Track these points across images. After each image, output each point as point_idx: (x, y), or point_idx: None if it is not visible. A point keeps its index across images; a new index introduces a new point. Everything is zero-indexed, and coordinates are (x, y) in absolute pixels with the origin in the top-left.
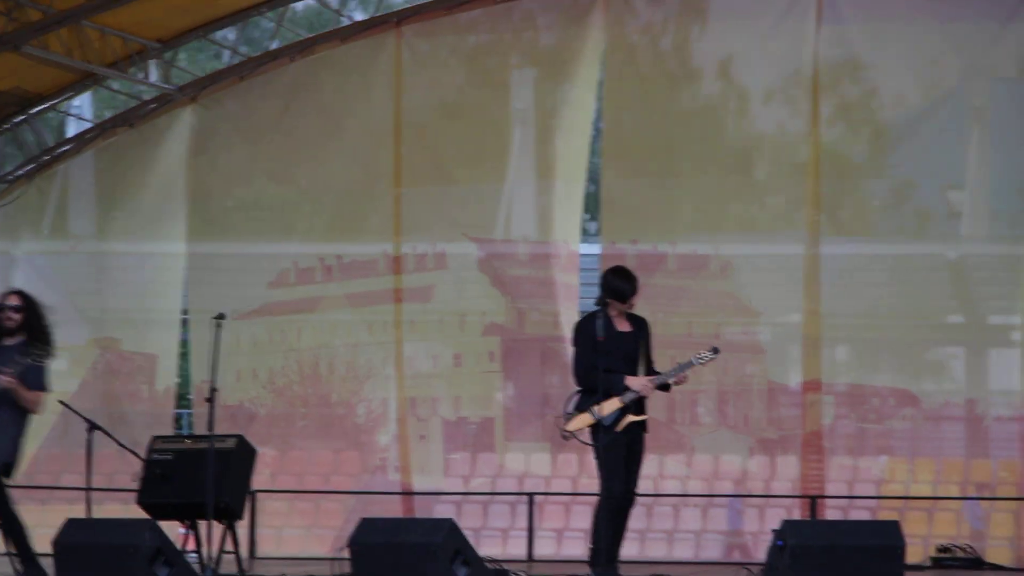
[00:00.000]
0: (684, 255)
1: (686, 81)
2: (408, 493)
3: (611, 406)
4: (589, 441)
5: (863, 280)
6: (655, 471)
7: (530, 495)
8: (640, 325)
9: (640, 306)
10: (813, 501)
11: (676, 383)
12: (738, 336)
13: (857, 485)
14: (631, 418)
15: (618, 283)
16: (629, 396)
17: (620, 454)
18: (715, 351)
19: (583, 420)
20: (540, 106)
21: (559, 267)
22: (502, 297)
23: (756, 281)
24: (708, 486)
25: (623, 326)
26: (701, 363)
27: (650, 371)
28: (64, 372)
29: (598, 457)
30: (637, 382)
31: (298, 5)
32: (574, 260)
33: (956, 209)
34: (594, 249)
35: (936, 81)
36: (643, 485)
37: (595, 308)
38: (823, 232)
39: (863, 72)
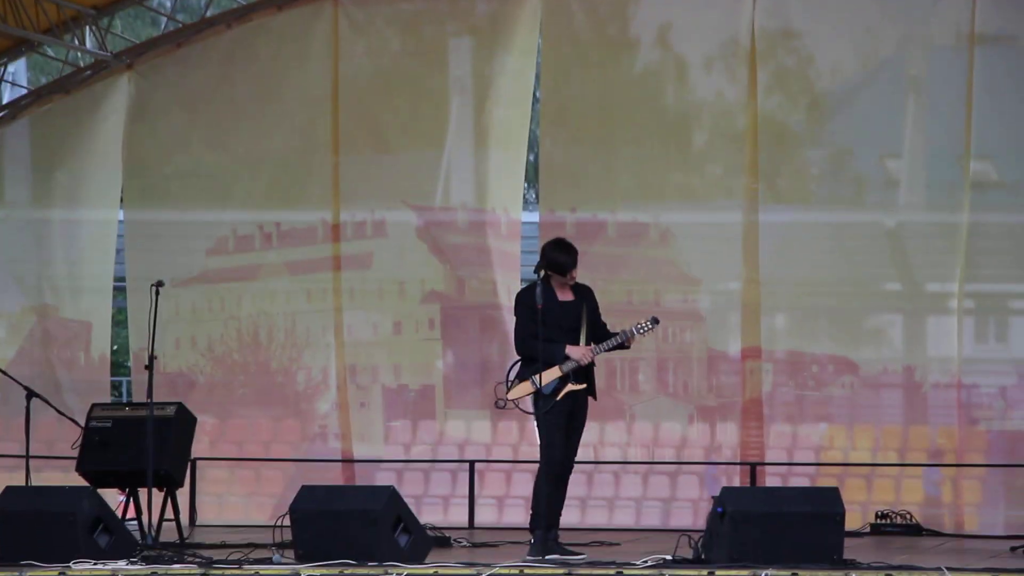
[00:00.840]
0: (624, 223)
1: (624, 49)
2: (348, 460)
3: (551, 375)
4: (530, 410)
5: (802, 248)
6: (595, 438)
7: (471, 463)
8: (583, 293)
9: (581, 274)
10: (753, 468)
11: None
12: (678, 304)
13: (797, 452)
14: (571, 387)
15: (557, 256)
16: (569, 365)
17: (560, 422)
18: (655, 321)
19: (523, 389)
20: (478, 74)
21: (498, 235)
22: (441, 265)
23: (695, 249)
24: (648, 453)
25: (564, 295)
26: (641, 333)
27: (596, 338)
28: (1, 339)
29: (539, 425)
30: (577, 351)
31: None
32: (515, 228)
33: (894, 177)
34: (533, 217)
35: (873, 50)
36: (583, 452)
37: (535, 277)
38: (761, 200)
39: (800, 41)
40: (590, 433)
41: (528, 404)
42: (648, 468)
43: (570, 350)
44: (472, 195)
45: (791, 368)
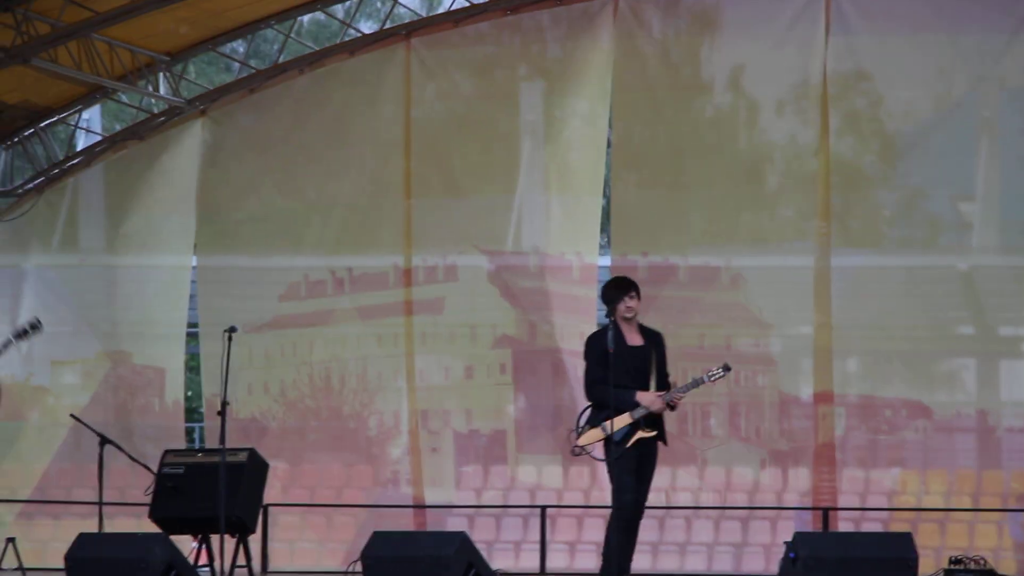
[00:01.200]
0: (695, 267)
1: (696, 92)
2: (420, 506)
3: (621, 421)
4: (600, 456)
5: (873, 291)
6: (667, 483)
7: (542, 508)
8: (653, 339)
9: (651, 318)
10: (825, 513)
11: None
12: (749, 348)
13: (869, 497)
14: (641, 434)
15: (608, 291)
16: (639, 412)
17: (630, 468)
18: (726, 368)
19: (594, 435)
20: (549, 118)
21: (569, 280)
22: (512, 309)
23: (767, 292)
24: (720, 498)
25: (634, 340)
26: (712, 380)
27: (663, 385)
28: (75, 386)
29: (609, 471)
30: (647, 397)
31: (305, 17)
32: (591, 272)
33: (967, 220)
34: (604, 261)
35: (945, 91)
36: (655, 498)
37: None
38: (833, 243)
39: (871, 82)
40: (661, 478)
41: (599, 450)
42: (720, 513)
43: (640, 396)
44: (543, 239)
45: (863, 412)
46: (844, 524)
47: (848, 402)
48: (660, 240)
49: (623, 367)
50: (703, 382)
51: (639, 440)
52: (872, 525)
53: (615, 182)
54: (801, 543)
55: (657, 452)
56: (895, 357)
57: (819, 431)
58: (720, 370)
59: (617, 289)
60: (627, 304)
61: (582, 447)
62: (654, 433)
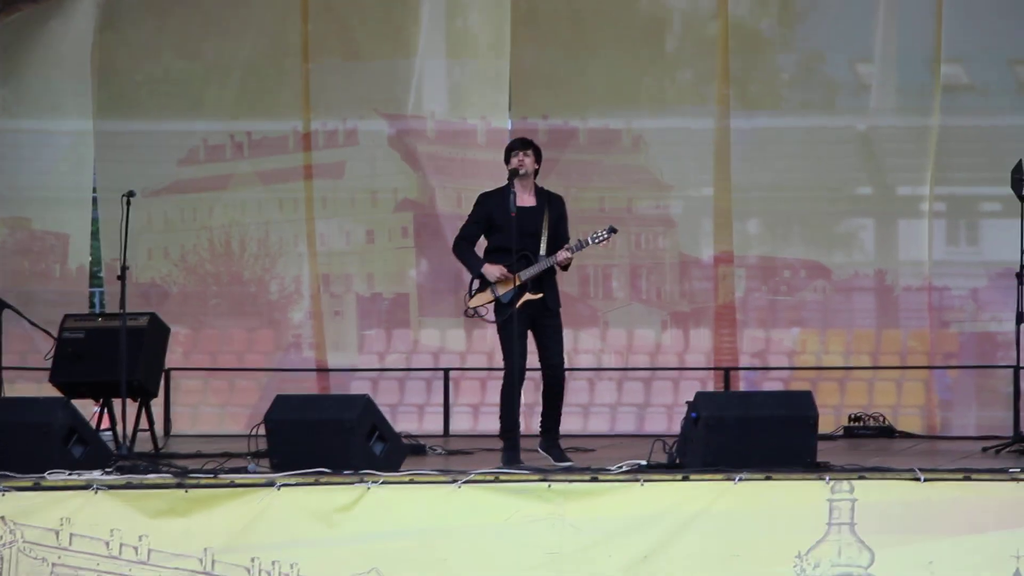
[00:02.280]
0: (595, 129)
1: None
2: (323, 370)
3: (508, 284)
4: (492, 319)
5: (773, 154)
6: (569, 346)
7: (445, 371)
8: (549, 200)
9: (552, 181)
10: (726, 373)
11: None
12: (650, 210)
13: (770, 357)
14: (528, 296)
15: (505, 150)
16: (527, 273)
17: (519, 331)
18: (612, 230)
19: (483, 297)
20: None
21: (476, 144)
22: (414, 173)
23: (667, 155)
24: (622, 360)
25: (526, 200)
26: (597, 243)
27: (557, 248)
28: None
29: (499, 334)
30: (492, 271)
31: None
32: (497, 136)
33: (865, 81)
34: (506, 124)
35: None
36: None
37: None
38: (733, 106)
39: None
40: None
41: (491, 312)
42: (622, 374)
43: (486, 268)
44: (445, 104)
45: (763, 273)
46: (745, 384)
47: (748, 263)
48: (560, 103)
49: (509, 227)
50: (586, 244)
51: (528, 302)
52: (773, 384)
53: (514, 45)
54: (702, 402)
55: (555, 314)
56: (794, 218)
57: (719, 292)
58: (604, 232)
59: (510, 146)
60: (516, 160)
61: (474, 308)
62: (540, 295)
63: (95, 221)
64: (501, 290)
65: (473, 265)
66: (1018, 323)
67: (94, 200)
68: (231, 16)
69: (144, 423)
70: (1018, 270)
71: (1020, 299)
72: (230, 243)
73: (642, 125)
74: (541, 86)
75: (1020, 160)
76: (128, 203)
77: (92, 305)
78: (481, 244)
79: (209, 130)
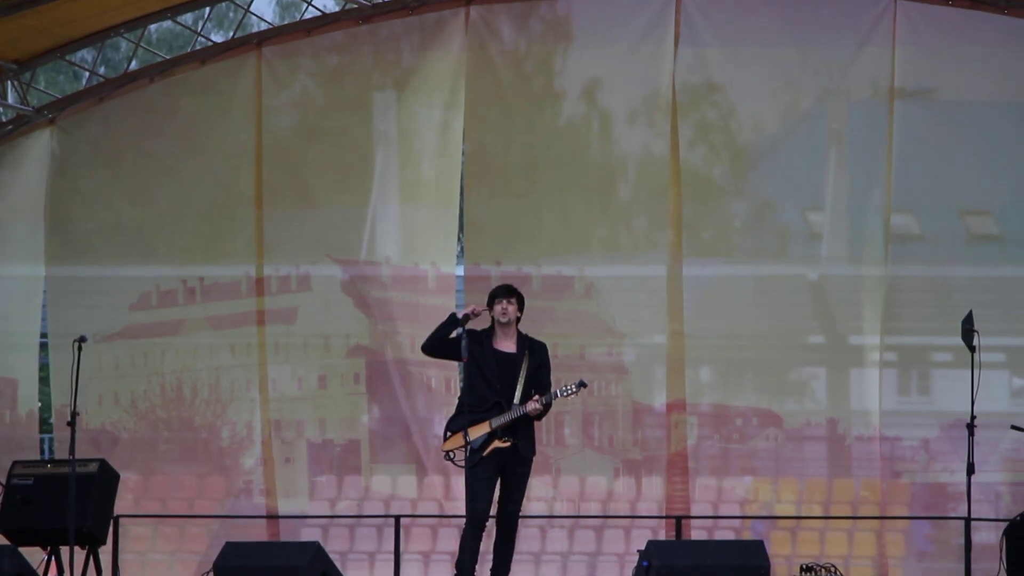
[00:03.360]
0: (548, 276)
1: (549, 102)
2: (273, 516)
3: (480, 430)
4: (462, 464)
5: (725, 301)
6: None
7: (396, 517)
8: (529, 348)
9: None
10: (678, 521)
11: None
12: (603, 357)
13: (722, 505)
14: (497, 444)
15: (489, 296)
16: (497, 421)
17: (485, 476)
18: (581, 384)
19: (455, 441)
20: (402, 128)
21: (427, 290)
22: (366, 319)
23: (620, 302)
24: (574, 507)
25: (505, 346)
26: (565, 396)
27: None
28: None
29: (465, 478)
30: (467, 308)
31: (154, 27)
32: (447, 282)
33: (816, 230)
34: (458, 271)
35: (793, 103)
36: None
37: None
38: (685, 253)
39: (722, 94)
40: None
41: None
42: (574, 522)
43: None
44: (398, 249)
45: (716, 421)
46: (697, 532)
47: (700, 411)
48: (513, 250)
49: (486, 371)
50: (555, 397)
51: (496, 449)
52: (725, 533)
53: (468, 191)
54: (655, 551)
55: (525, 461)
56: (747, 366)
57: (672, 440)
58: (574, 386)
59: (493, 293)
60: (499, 307)
61: (448, 452)
62: (508, 444)
63: (44, 367)
64: (473, 435)
65: (445, 323)
66: (969, 474)
67: (43, 345)
68: (184, 164)
69: (92, 571)
70: (968, 421)
71: (971, 450)
72: (181, 388)
73: (595, 272)
74: (494, 233)
75: (970, 311)
76: (79, 348)
77: (41, 451)
78: (451, 386)
79: (161, 275)
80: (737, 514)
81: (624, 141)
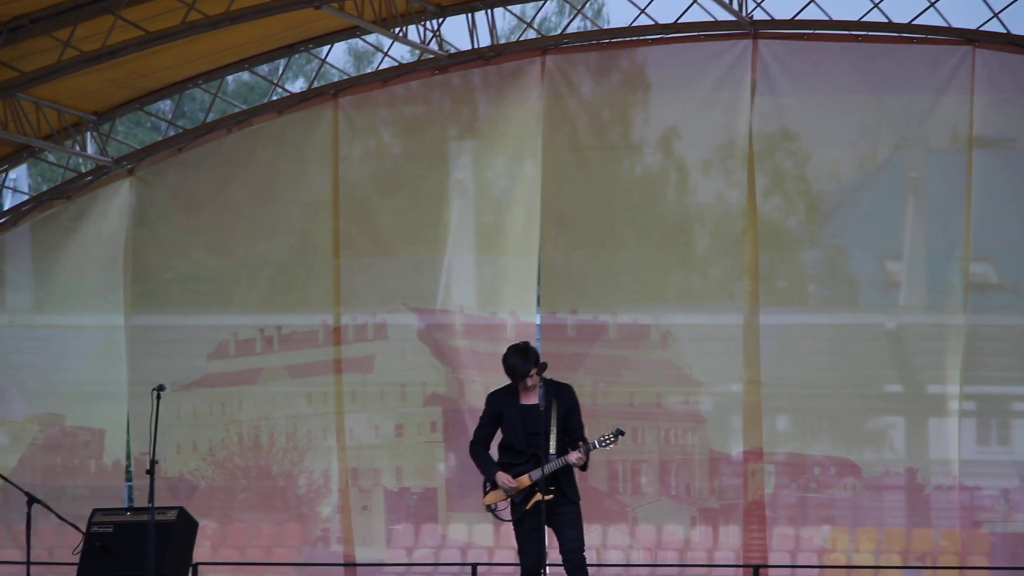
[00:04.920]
0: (624, 325)
1: (626, 152)
2: (351, 564)
3: (522, 483)
4: (507, 517)
5: (802, 349)
6: (598, 541)
7: (473, 565)
8: (554, 394)
9: (581, 376)
10: (756, 570)
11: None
12: (679, 406)
13: (799, 554)
14: (538, 497)
15: (513, 359)
16: (537, 474)
17: (531, 528)
18: (619, 433)
19: (495, 496)
20: (479, 178)
21: (505, 338)
22: (442, 367)
23: (696, 351)
24: (651, 556)
25: (528, 398)
26: (604, 446)
27: (567, 440)
28: (3, 447)
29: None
30: (502, 479)
31: (232, 77)
32: (526, 331)
33: (893, 279)
34: (535, 319)
35: (871, 152)
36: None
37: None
38: (761, 302)
39: (797, 143)
40: (593, 535)
41: (507, 510)
42: (651, 571)
43: (498, 476)
44: (474, 298)
45: (793, 470)
46: None
47: (777, 460)
48: (589, 298)
49: (515, 428)
50: (594, 448)
51: (539, 502)
52: None
53: (544, 240)
54: None
55: (574, 507)
56: (824, 415)
57: (749, 488)
58: (611, 436)
59: (523, 358)
60: (527, 381)
61: (489, 506)
62: (551, 496)
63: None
64: (513, 490)
65: (487, 471)
66: None
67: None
68: (261, 213)
69: None
70: None
71: None
72: (259, 437)
73: (671, 320)
74: (570, 282)
75: None
76: (158, 397)
77: (120, 500)
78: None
79: (239, 324)
80: (815, 563)
81: (700, 190)
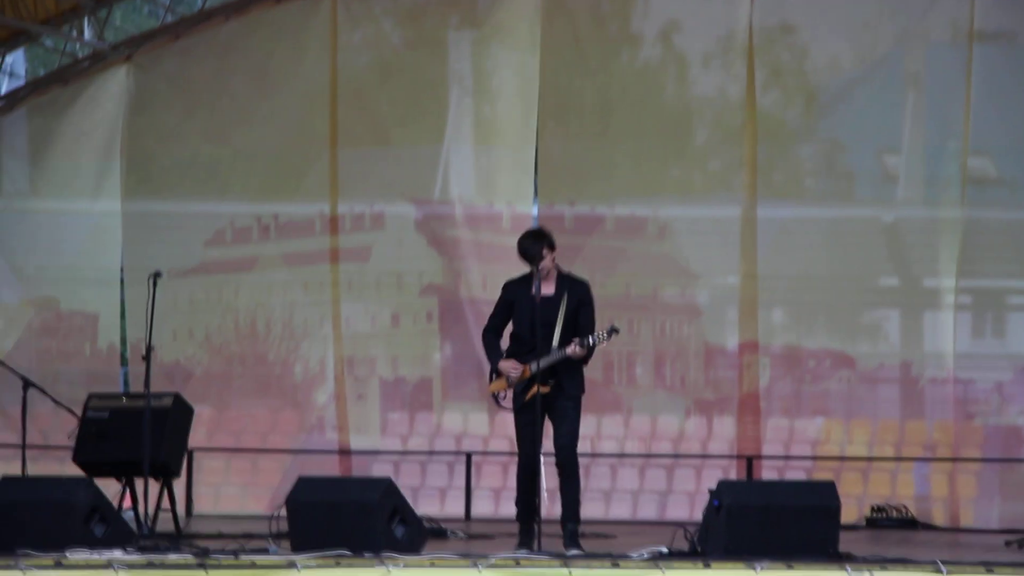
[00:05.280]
0: (622, 217)
1: (625, 45)
2: (346, 452)
3: (526, 372)
4: (509, 406)
5: (799, 243)
6: (592, 431)
7: (468, 454)
8: (570, 288)
9: (578, 267)
10: (749, 461)
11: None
12: (675, 298)
13: (793, 446)
14: (537, 388)
15: (524, 243)
16: (536, 366)
17: (528, 420)
18: (613, 330)
19: (499, 384)
20: (478, 68)
21: (502, 229)
22: (439, 258)
23: (694, 244)
24: (645, 446)
25: (547, 288)
26: (600, 343)
27: (575, 335)
28: None
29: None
30: (506, 366)
31: None
32: (523, 222)
33: (892, 173)
34: (532, 210)
35: (871, 46)
36: (580, 445)
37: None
38: (759, 195)
39: (796, 36)
40: (588, 426)
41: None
42: (645, 461)
43: (502, 364)
44: (472, 189)
45: (788, 362)
46: (768, 472)
47: (773, 352)
48: (587, 190)
49: (524, 317)
50: (588, 344)
51: (538, 394)
52: (795, 474)
53: (542, 132)
54: (725, 491)
55: (572, 402)
56: (819, 308)
57: (744, 380)
58: (604, 333)
59: (534, 241)
60: (544, 262)
61: (493, 394)
62: (548, 389)
63: (120, 301)
64: (516, 379)
65: (493, 359)
66: None
67: (121, 280)
68: (259, 103)
69: (166, 503)
70: None
71: None
72: (255, 324)
73: (669, 213)
74: (569, 173)
75: None
76: (155, 283)
77: (116, 385)
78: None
79: (236, 212)
80: (808, 455)
81: (699, 84)
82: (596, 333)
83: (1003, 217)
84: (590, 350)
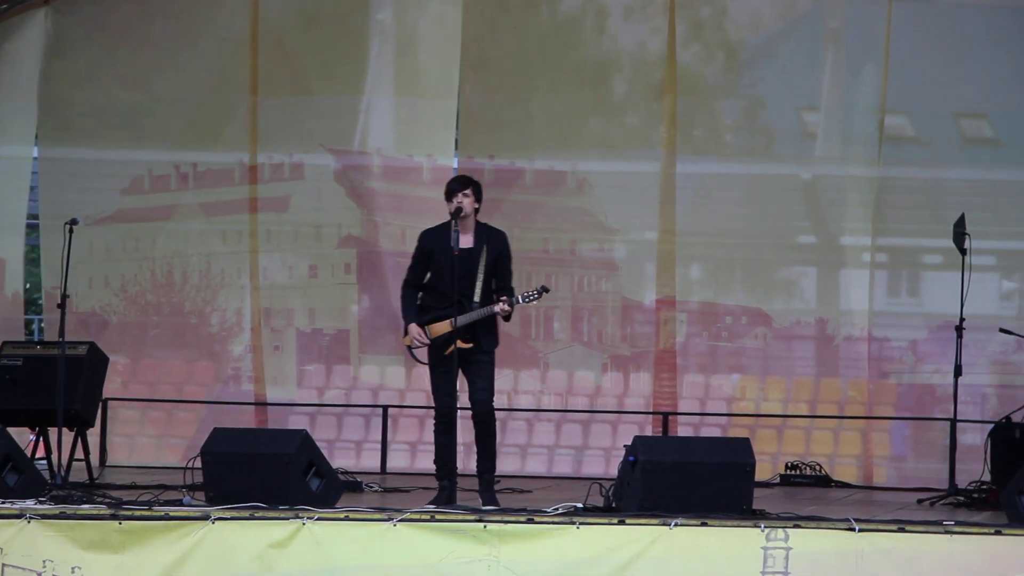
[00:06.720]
0: (541, 171)
1: None
2: (261, 404)
3: (443, 328)
4: (425, 360)
5: (717, 199)
6: (509, 386)
7: (384, 408)
8: (486, 239)
9: (496, 221)
10: (665, 417)
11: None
12: (593, 253)
13: (709, 403)
14: (458, 344)
15: (452, 184)
16: (461, 320)
17: (446, 371)
18: (544, 289)
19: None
20: (400, 18)
21: (422, 182)
22: (358, 209)
23: (612, 198)
24: (561, 401)
25: (465, 241)
26: (528, 302)
27: (492, 288)
28: None
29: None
30: (414, 330)
31: None
32: (442, 174)
33: (810, 130)
34: (452, 163)
35: (791, 3)
36: (497, 400)
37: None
38: (678, 151)
39: None
40: (504, 380)
41: (424, 354)
42: (561, 416)
43: (411, 329)
44: (391, 140)
45: (705, 319)
46: (684, 429)
47: (690, 308)
48: (507, 143)
49: (442, 269)
50: (517, 302)
51: (457, 349)
52: (711, 430)
53: (463, 85)
54: (640, 447)
55: (487, 356)
56: (737, 265)
57: (661, 336)
58: (535, 292)
59: (448, 188)
60: (456, 200)
61: (409, 347)
62: (470, 345)
63: (35, 248)
64: (435, 333)
65: (406, 317)
66: (956, 376)
67: (29, 226)
68: (180, 50)
69: (80, 453)
70: (958, 323)
71: (959, 352)
72: (172, 274)
73: (588, 168)
74: (488, 126)
75: (962, 213)
76: (70, 231)
77: (30, 332)
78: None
79: (154, 160)
80: (724, 411)
81: (620, 37)
82: (526, 293)
83: (919, 176)
84: (513, 306)
